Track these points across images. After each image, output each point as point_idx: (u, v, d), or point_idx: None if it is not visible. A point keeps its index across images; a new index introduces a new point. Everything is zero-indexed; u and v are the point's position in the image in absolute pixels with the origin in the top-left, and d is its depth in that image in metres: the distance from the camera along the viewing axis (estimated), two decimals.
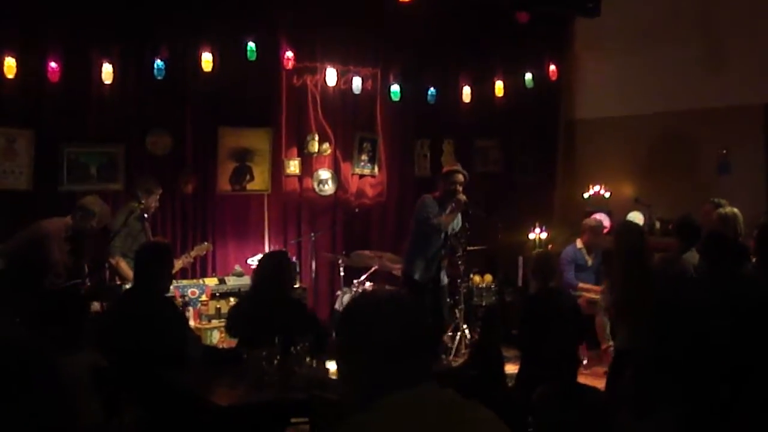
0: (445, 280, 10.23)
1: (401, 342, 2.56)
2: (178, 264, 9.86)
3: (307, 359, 6.21)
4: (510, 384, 7.67)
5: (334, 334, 9.93)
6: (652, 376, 4.85)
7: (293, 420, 6.90)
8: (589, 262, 10.82)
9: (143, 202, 9.67)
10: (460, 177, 9.95)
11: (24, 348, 1.98)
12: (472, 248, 10.80)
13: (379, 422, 2.41)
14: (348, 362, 2.65)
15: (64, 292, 5.68)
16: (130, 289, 7.21)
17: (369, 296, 2.88)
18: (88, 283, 8.89)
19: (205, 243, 10.73)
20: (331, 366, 6.41)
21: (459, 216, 10.08)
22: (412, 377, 2.52)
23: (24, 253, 8.32)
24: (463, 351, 10.53)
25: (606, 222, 11.40)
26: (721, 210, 9.45)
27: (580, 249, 10.77)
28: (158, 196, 10.00)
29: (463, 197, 9.84)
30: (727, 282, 7.02)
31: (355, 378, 2.61)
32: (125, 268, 9.44)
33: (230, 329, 7.69)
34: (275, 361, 6.01)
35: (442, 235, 9.93)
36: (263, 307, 6.91)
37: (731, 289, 6.83)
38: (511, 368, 8.01)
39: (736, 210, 9.39)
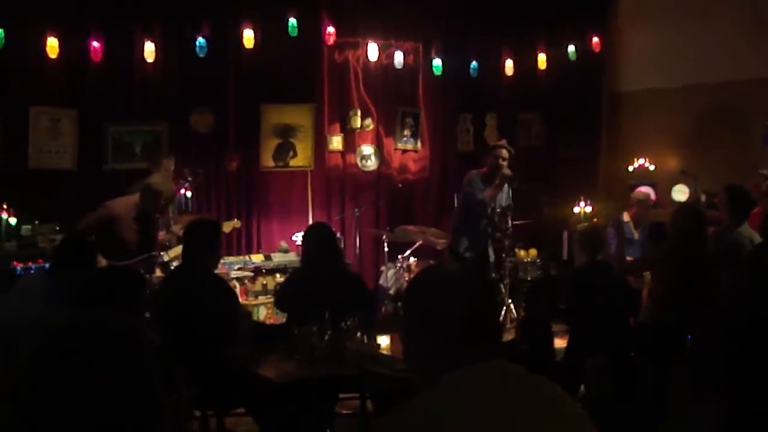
0: (492, 256, 10.22)
1: (471, 317, 2.52)
2: None
3: (358, 334, 6.20)
4: (559, 358, 7.64)
5: (383, 309, 10.04)
6: (711, 358, 4.82)
7: (343, 395, 6.92)
8: (636, 236, 10.68)
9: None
10: (504, 152, 9.93)
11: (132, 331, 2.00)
12: (516, 223, 10.74)
13: (451, 397, 2.38)
14: (416, 338, 2.61)
15: (123, 271, 5.68)
16: (179, 266, 7.22)
17: (436, 270, 2.83)
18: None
19: (235, 219, 10.72)
20: (382, 341, 6.41)
21: (509, 192, 10.06)
22: (482, 352, 2.49)
23: (85, 233, 8.39)
24: (508, 326, 10.48)
25: (652, 195, 11.27)
26: None
27: (627, 222, 10.63)
28: (170, 167, 9.87)
29: (508, 171, 9.81)
30: None
31: (424, 354, 2.57)
32: None
33: (280, 303, 7.65)
34: (326, 337, 6.00)
35: (488, 211, 9.91)
36: (318, 282, 6.85)
37: None
38: (559, 342, 7.96)
39: None
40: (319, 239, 7.27)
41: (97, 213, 8.85)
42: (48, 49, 9.94)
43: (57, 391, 1.85)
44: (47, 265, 7.82)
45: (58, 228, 9.59)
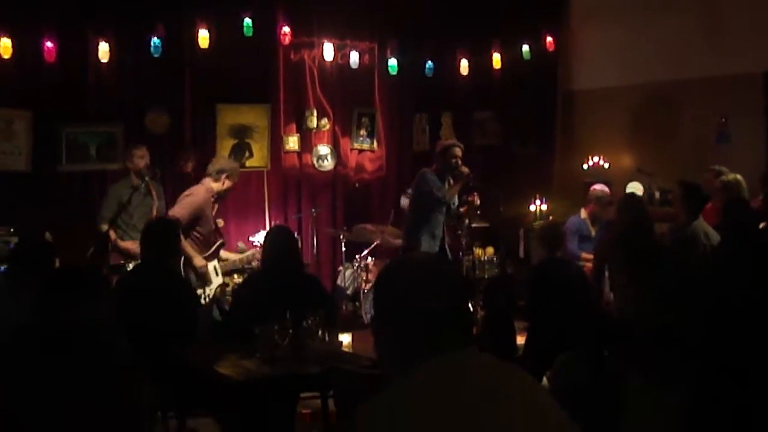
0: (449, 254, 10.20)
1: (441, 306, 2.52)
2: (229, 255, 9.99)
3: (320, 333, 6.17)
4: (519, 354, 7.66)
5: (344, 308, 10.01)
6: (669, 347, 4.84)
7: (303, 395, 6.89)
8: (593, 233, 10.72)
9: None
10: (458, 150, 9.88)
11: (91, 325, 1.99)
12: (476, 226, 10.80)
13: (423, 386, 2.38)
14: (386, 329, 2.60)
15: (83, 268, 5.61)
16: (138, 264, 7.17)
17: (406, 261, 2.84)
18: None
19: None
20: (344, 339, 6.40)
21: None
22: (453, 342, 2.49)
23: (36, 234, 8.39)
24: None
25: (608, 192, 11.33)
26: (723, 177, 9.40)
27: (584, 219, 10.62)
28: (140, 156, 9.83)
29: (466, 169, 9.80)
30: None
31: (395, 344, 2.56)
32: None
33: (233, 315, 7.33)
34: (287, 335, 5.97)
35: (445, 209, 9.88)
36: (278, 282, 6.80)
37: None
38: (519, 339, 7.98)
39: (738, 176, 9.33)
40: (279, 241, 7.21)
41: (188, 201, 8.89)
42: (1, 50, 9.83)
43: (25, 383, 1.83)
44: (2, 268, 7.70)
45: (12, 230, 9.46)
